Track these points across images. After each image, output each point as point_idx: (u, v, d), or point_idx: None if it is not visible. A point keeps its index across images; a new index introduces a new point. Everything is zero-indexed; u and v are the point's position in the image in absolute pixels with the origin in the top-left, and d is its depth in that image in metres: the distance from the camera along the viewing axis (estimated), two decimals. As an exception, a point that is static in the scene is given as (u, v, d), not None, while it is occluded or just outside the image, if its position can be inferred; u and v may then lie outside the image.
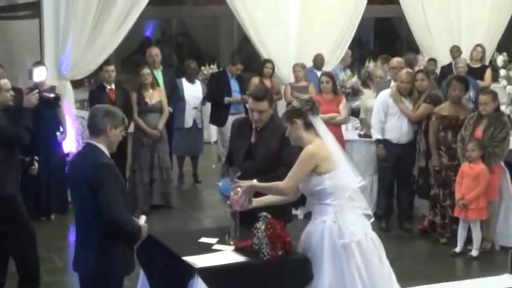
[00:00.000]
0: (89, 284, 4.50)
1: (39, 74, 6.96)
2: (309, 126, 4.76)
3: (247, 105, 6.71)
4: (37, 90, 6.36)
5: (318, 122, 4.81)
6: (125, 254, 4.47)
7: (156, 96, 9.01)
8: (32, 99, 6.23)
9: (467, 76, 9.42)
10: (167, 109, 9.17)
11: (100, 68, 9.21)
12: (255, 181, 4.84)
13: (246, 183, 4.82)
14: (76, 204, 4.57)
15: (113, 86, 8.91)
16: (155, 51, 9.98)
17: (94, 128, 4.46)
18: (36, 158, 6.48)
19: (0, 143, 5.97)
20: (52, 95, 6.91)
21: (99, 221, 4.30)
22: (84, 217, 4.44)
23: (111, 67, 8.95)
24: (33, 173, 6.50)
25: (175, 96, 9.91)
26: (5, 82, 6.17)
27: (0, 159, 5.99)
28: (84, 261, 4.46)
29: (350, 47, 12.16)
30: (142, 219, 4.56)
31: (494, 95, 7.46)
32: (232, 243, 4.83)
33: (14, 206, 6.15)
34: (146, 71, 8.97)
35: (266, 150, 5.28)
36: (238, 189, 4.78)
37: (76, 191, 4.51)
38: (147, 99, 8.93)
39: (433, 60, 11.80)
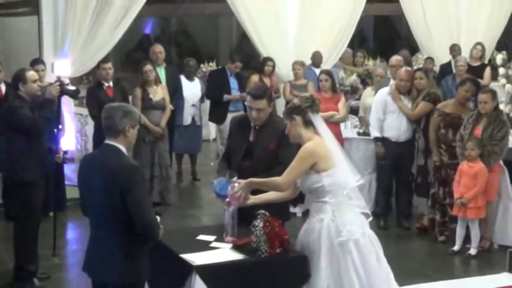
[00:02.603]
0: None
1: (61, 68, 7.06)
2: (308, 123, 4.76)
3: (246, 103, 6.69)
4: (58, 83, 6.71)
5: (318, 120, 4.80)
6: (146, 258, 4.30)
7: (159, 93, 8.98)
8: (53, 90, 6.60)
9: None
10: (169, 107, 9.15)
11: (97, 66, 9.18)
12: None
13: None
14: (97, 210, 4.21)
15: (111, 84, 8.87)
16: (158, 49, 9.93)
17: (112, 128, 4.20)
18: (61, 147, 6.90)
19: (20, 132, 6.22)
20: (73, 88, 7.07)
21: (127, 227, 4.06)
22: (108, 223, 4.14)
23: (109, 65, 8.90)
24: (57, 161, 7.05)
25: (178, 93, 9.89)
26: (32, 73, 6.42)
27: (21, 148, 6.23)
28: (109, 270, 4.19)
29: (349, 46, 12.14)
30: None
31: (494, 94, 7.44)
32: (230, 240, 4.82)
33: (32, 193, 6.27)
34: (148, 67, 8.92)
35: (264, 150, 5.26)
36: (236, 184, 4.78)
37: (96, 195, 4.17)
38: (151, 96, 8.88)
39: (430, 59, 11.78)
